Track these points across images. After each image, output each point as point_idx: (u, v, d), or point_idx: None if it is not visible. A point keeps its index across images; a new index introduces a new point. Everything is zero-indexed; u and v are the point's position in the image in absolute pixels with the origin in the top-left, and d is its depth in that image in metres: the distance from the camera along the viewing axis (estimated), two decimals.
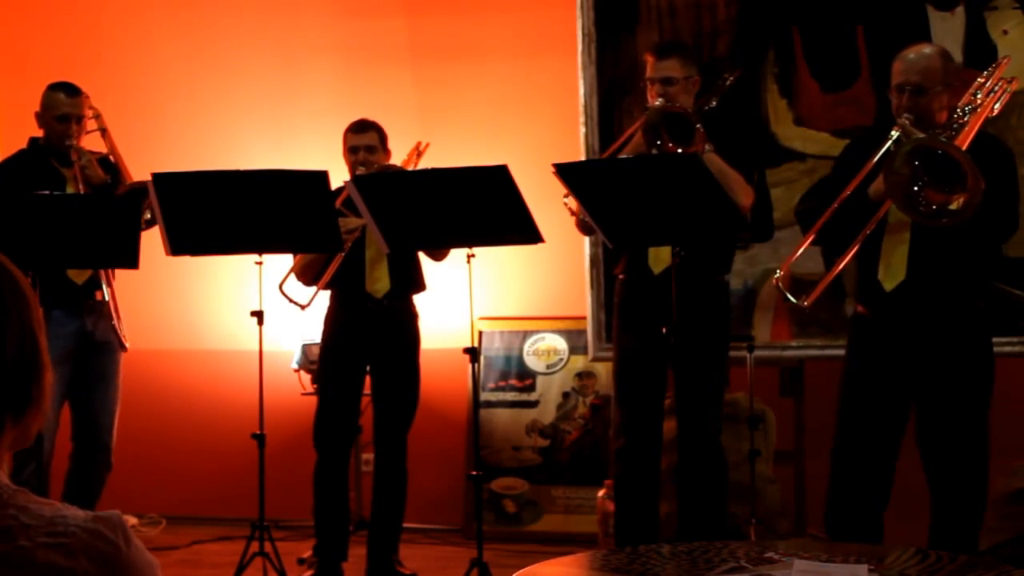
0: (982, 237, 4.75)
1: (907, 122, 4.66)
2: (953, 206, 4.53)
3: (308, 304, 5.73)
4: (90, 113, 5.95)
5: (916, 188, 4.56)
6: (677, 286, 5.23)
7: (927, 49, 4.82)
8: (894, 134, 4.69)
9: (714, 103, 5.43)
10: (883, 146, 4.69)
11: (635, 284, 5.40)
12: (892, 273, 4.78)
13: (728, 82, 5.51)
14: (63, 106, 5.79)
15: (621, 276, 5.50)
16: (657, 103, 5.26)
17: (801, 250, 4.95)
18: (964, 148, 4.49)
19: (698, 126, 5.10)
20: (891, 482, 4.92)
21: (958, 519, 4.85)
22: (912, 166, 4.54)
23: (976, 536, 4.90)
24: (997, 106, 4.83)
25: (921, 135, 4.61)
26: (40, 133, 5.94)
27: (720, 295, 5.50)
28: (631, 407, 5.44)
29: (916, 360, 4.82)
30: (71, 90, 5.83)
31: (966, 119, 4.72)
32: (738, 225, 5.12)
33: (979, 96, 4.84)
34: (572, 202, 5.22)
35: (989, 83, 4.89)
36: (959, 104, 4.81)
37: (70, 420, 5.91)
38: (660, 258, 5.37)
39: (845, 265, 4.86)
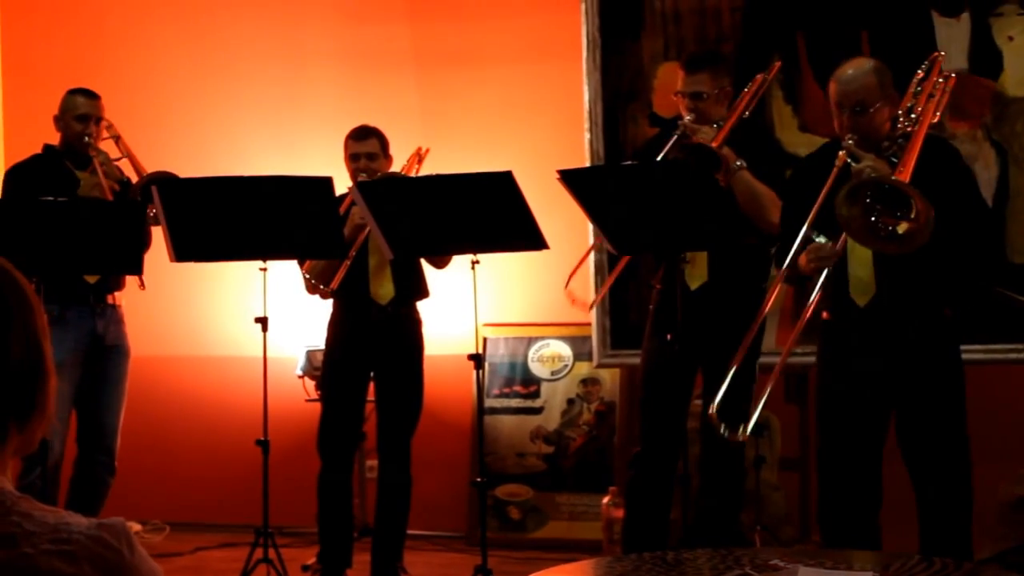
0: (948, 243, 4.70)
1: (852, 143, 4.66)
2: (900, 230, 4.52)
3: (333, 287, 5.71)
4: (104, 123, 6.08)
5: (873, 219, 4.55)
6: (718, 294, 5.29)
7: (862, 66, 4.78)
8: (841, 156, 4.68)
9: (747, 113, 5.43)
10: (832, 171, 4.69)
11: (672, 297, 5.39)
12: (863, 289, 4.77)
13: (763, 86, 5.53)
14: (82, 107, 5.98)
15: (658, 286, 5.51)
16: (687, 118, 5.30)
17: (774, 295, 4.94)
18: (912, 164, 4.48)
19: (721, 152, 5.12)
20: (879, 486, 4.92)
21: (945, 526, 4.85)
22: (863, 202, 4.53)
23: (968, 542, 4.90)
24: (939, 112, 4.81)
25: (865, 161, 4.60)
26: (54, 140, 6.06)
27: (759, 303, 5.49)
28: (653, 414, 5.45)
29: (891, 369, 4.81)
30: (89, 93, 6.04)
31: (910, 128, 4.70)
32: (743, 232, 5.12)
33: (919, 100, 4.82)
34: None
35: (927, 86, 4.87)
36: (900, 109, 4.79)
37: (76, 424, 5.93)
38: (697, 275, 5.39)
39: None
